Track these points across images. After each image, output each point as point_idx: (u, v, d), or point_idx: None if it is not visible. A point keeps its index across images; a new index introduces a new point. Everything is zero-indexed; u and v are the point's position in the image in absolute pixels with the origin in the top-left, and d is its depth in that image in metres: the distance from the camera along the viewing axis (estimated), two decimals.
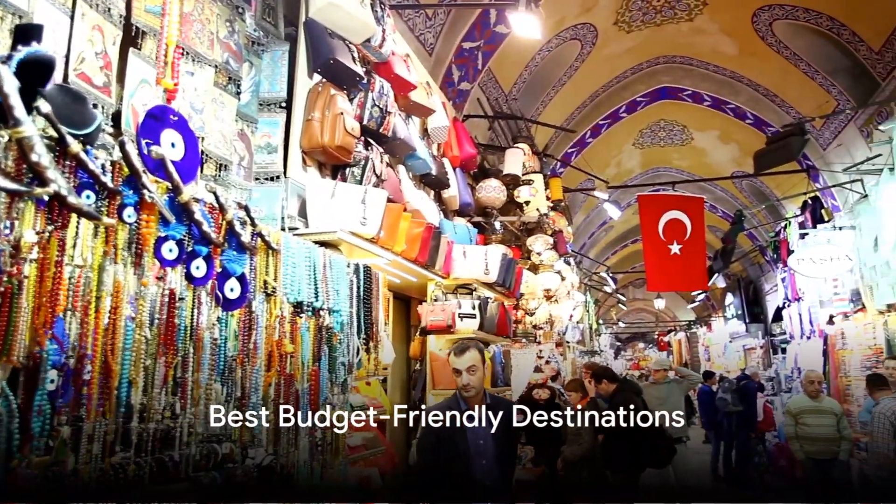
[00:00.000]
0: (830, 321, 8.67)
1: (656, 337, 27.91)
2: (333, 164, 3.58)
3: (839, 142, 8.04)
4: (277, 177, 3.20)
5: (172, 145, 1.93)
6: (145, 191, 1.76)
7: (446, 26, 5.84)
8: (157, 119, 1.90)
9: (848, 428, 6.41)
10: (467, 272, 4.70)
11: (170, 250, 1.81)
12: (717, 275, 12.54)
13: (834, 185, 8.18)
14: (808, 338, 10.30)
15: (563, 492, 5.19)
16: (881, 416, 5.16)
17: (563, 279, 6.78)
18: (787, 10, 7.16)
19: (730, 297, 16.75)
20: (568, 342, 11.61)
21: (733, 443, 10.46)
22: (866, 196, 6.93)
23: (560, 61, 8.27)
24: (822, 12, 6.83)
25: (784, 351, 12.27)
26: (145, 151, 1.84)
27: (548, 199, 6.76)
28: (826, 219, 8.99)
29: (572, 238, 10.16)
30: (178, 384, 1.83)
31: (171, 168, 1.84)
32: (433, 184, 5.11)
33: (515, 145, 6.39)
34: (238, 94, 2.91)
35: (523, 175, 6.24)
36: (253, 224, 2.16)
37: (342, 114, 3.34)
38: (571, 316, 9.80)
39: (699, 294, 16.17)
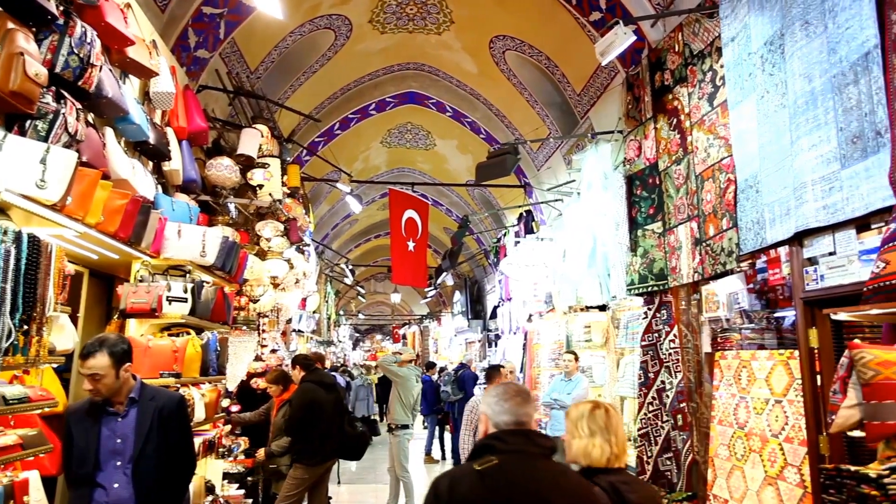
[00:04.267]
0: (529, 319, 10.01)
1: (392, 329, 29.32)
2: (8, 113, 3.01)
3: (548, 165, 9.33)
4: None
5: None
6: None
7: None
8: None
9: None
10: (181, 253, 4.35)
11: None
12: (445, 273, 13.63)
13: (542, 202, 9.44)
14: (515, 333, 11.75)
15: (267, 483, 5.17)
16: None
17: (291, 267, 6.70)
18: (516, 43, 8.06)
19: (457, 295, 18.33)
20: (301, 332, 11.55)
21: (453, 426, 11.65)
22: (561, 214, 8.15)
23: (313, 48, 8.16)
24: (542, 51, 7.84)
25: (497, 344, 13.83)
26: None
27: (285, 185, 6.62)
28: (535, 230, 10.36)
29: (313, 227, 10.13)
30: None
31: None
32: (151, 153, 4.63)
33: (254, 126, 6.12)
34: None
35: (259, 158, 6.01)
36: None
37: (22, 54, 2.82)
38: (305, 305, 9.76)
39: (431, 290, 17.39)
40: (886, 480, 2.11)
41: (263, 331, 6.91)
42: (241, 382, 6.27)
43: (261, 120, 6.61)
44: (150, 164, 4.77)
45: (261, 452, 5.48)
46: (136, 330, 4.13)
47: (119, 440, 2.66)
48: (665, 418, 5.30)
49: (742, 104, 4.14)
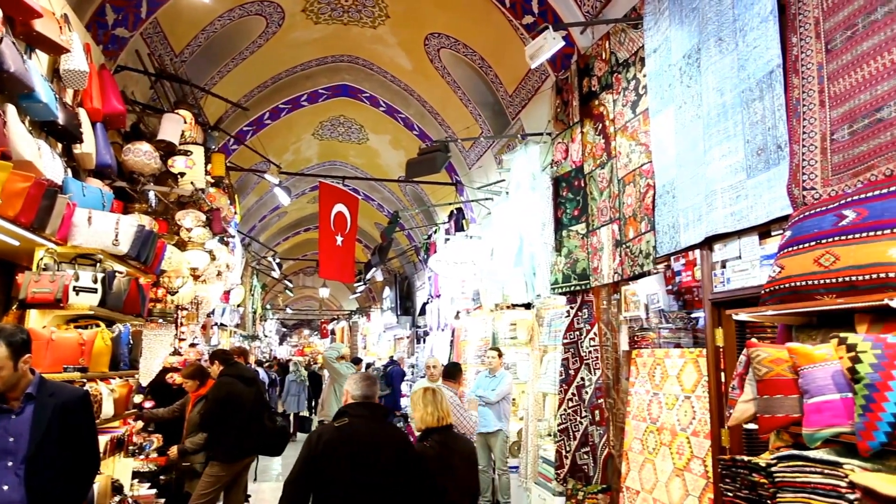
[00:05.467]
0: (457, 316, 10.10)
1: (320, 324, 28.91)
2: None
3: (480, 164, 9.44)
4: None
5: None
6: None
7: None
8: None
9: None
10: (91, 241, 4.12)
11: None
12: (375, 269, 13.56)
13: (472, 200, 9.55)
14: (443, 330, 11.83)
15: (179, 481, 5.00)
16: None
17: (214, 259, 6.48)
18: (451, 42, 8.11)
19: (387, 291, 18.26)
20: (224, 325, 11.21)
21: None
22: (490, 213, 8.27)
23: (242, 34, 7.92)
24: (477, 51, 7.92)
25: (425, 341, 13.87)
26: None
27: (208, 174, 6.39)
28: (465, 228, 10.46)
29: (239, 218, 9.84)
30: None
31: None
32: (60, 135, 4.36)
33: (177, 111, 5.87)
34: None
35: (181, 145, 5.77)
36: None
37: None
38: (228, 298, 9.46)
39: (360, 285, 17.24)
40: (774, 469, 2.26)
41: (182, 324, 6.65)
42: (156, 377, 6.01)
43: (184, 105, 6.34)
44: (60, 146, 4.49)
45: (173, 450, 5.28)
46: (37, 321, 3.89)
47: (12, 439, 2.49)
48: (584, 414, 5.47)
49: (662, 113, 4.32)
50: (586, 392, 5.49)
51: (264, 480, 9.33)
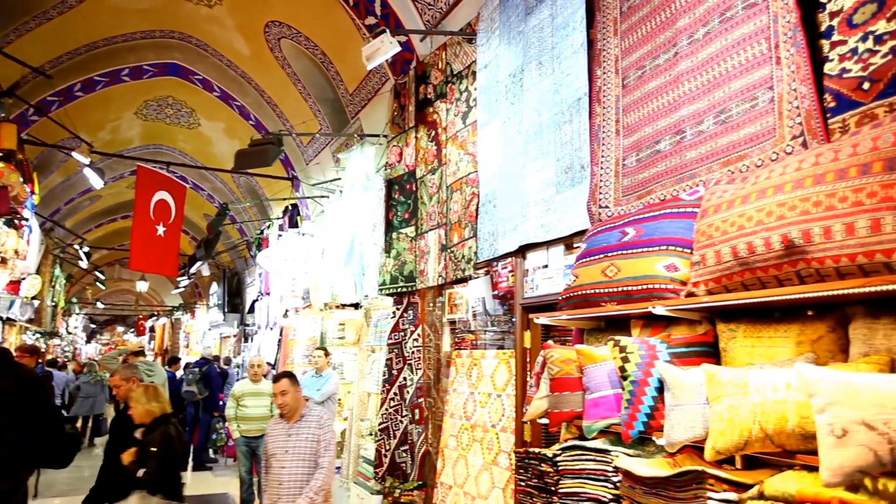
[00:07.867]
0: (286, 315, 9.82)
1: (137, 321, 26.53)
2: None
3: (317, 161, 9.27)
4: None
5: None
6: None
7: None
8: None
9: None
10: None
11: None
12: (201, 263, 12.73)
13: (308, 197, 9.35)
14: (271, 328, 11.43)
15: None
16: None
17: None
18: (293, 32, 7.88)
19: (214, 287, 17.24)
20: (13, 320, 9.83)
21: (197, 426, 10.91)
22: (324, 211, 8.15)
23: None
24: (319, 45, 7.78)
25: (253, 339, 13.30)
26: None
27: None
28: (299, 225, 10.21)
29: (37, 199, 8.71)
30: None
31: None
32: None
33: None
34: None
35: None
36: None
37: None
38: (19, 289, 8.31)
39: (184, 280, 16.09)
40: (558, 459, 2.50)
41: None
42: None
43: None
44: None
45: None
46: None
47: None
48: (404, 413, 5.59)
49: (488, 126, 4.56)
50: (408, 391, 5.61)
51: (48, 496, 8.28)
